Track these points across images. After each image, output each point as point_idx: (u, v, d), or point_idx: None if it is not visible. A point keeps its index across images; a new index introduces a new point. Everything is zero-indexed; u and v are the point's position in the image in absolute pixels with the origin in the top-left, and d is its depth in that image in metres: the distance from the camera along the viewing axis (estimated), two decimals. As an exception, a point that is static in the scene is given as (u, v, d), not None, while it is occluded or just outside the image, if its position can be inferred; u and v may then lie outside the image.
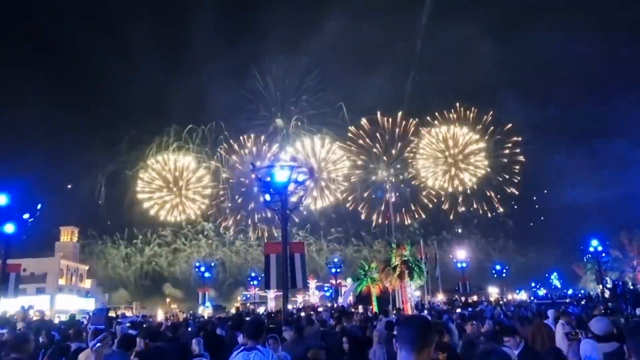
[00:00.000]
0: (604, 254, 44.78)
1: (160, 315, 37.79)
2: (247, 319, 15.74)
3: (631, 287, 31.12)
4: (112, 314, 19.55)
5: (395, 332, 3.06)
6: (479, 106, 79.15)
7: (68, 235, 60.90)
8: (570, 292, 60.84)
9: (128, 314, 31.89)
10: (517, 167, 79.14)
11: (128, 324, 12.73)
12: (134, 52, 76.34)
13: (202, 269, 42.19)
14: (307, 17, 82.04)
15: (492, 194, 79.63)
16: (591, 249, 40.08)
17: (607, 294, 34.03)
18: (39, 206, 18.02)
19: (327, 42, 74.81)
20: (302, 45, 78.46)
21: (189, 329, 12.50)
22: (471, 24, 73.62)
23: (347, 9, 76.91)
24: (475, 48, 74.10)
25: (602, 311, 13.82)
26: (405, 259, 27.57)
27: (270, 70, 78.70)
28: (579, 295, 50.29)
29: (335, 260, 42.12)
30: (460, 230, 77.38)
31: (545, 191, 77.54)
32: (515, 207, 77.40)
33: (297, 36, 79.87)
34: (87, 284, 60.04)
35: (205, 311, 40.04)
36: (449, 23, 75.43)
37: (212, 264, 44.58)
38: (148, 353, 7.42)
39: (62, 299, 47.89)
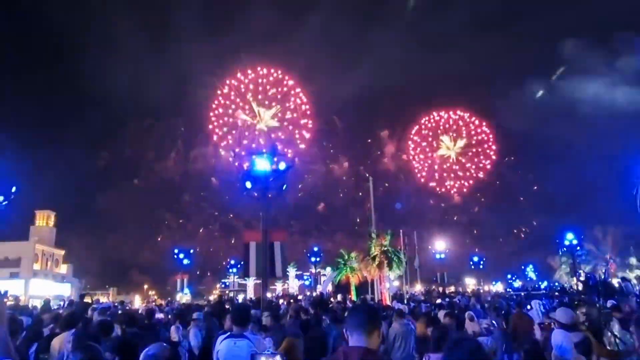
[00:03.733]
0: (578, 248, 45.74)
1: (137, 302, 37.52)
2: (227, 307, 15.69)
3: (603, 280, 31.85)
4: (87, 299, 19.30)
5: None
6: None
7: (44, 220, 59.63)
8: (544, 284, 62.01)
9: (103, 300, 31.57)
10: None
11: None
12: (114, 39, 74.89)
13: (181, 255, 41.79)
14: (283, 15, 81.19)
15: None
16: (566, 242, 40.89)
17: (580, 286, 34.77)
18: (13, 189, 17.57)
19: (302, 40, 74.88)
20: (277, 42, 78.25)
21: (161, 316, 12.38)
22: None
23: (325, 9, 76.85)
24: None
25: (576, 303, 14.11)
26: (385, 249, 27.78)
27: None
28: (554, 287, 51.33)
29: (315, 249, 42.22)
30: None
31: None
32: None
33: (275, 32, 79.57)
34: (63, 269, 59.10)
35: (184, 298, 39.89)
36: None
37: (191, 251, 44.11)
38: (125, 339, 7.35)
39: (36, 284, 47.12)
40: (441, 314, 9.48)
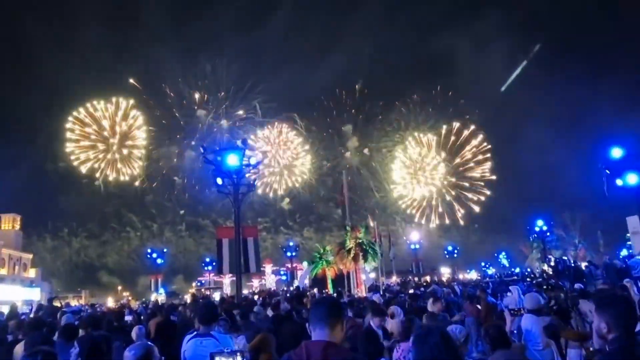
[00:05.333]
0: (548, 233, 46.98)
1: (110, 304, 36.85)
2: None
3: (572, 265, 32.68)
4: (56, 303, 18.81)
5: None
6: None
7: (9, 223, 57.82)
8: (517, 270, 63.36)
9: (74, 303, 30.89)
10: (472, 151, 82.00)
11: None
12: (76, 30, 72.37)
13: (154, 255, 41.20)
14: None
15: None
16: (537, 229, 41.93)
17: (550, 271, 35.65)
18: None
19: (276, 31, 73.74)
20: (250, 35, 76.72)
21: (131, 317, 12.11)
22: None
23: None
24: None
25: (545, 287, 14.43)
26: (360, 241, 27.87)
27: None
28: (525, 273, 52.49)
29: (291, 244, 42.20)
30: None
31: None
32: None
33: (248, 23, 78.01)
34: (32, 273, 57.49)
35: (159, 298, 39.38)
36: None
37: (165, 250, 43.49)
38: (89, 341, 7.12)
39: (4, 289, 45.73)
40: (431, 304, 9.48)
